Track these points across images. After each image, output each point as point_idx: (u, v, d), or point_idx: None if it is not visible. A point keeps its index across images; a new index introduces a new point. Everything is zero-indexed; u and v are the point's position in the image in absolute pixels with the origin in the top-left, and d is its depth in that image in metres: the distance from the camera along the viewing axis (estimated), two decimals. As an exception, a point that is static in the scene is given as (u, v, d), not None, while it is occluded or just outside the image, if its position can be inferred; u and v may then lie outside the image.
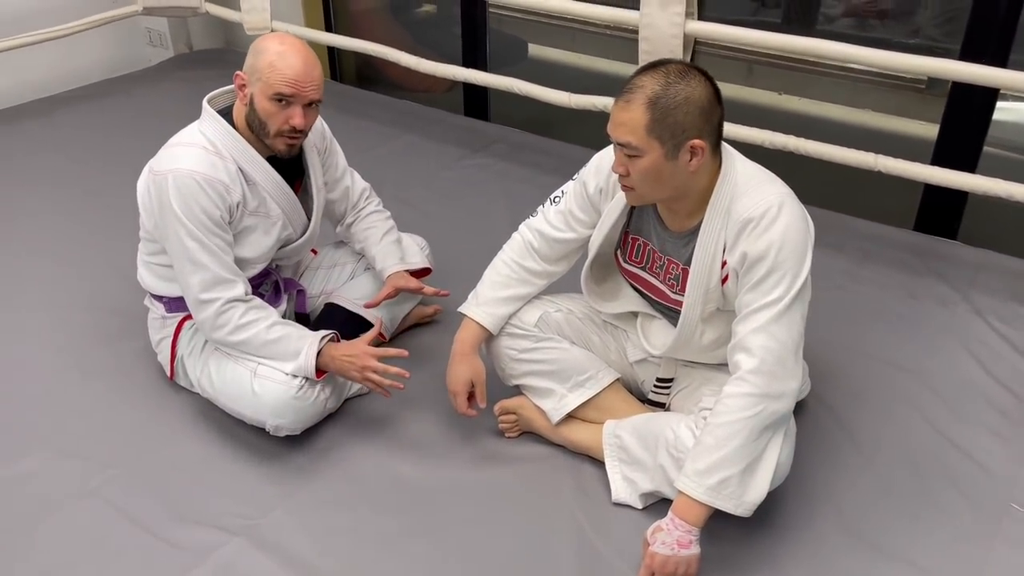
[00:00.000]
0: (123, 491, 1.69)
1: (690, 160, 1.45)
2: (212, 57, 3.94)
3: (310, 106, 1.72)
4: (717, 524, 1.52)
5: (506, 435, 1.83)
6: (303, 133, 1.74)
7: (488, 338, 1.79)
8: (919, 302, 2.26)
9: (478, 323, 1.76)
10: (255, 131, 1.74)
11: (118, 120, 3.35)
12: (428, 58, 3.07)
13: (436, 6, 3.87)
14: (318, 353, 1.72)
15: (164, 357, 1.92)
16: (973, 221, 2.62)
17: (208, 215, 1.69)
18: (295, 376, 1.72)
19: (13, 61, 3.35)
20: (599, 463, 1.72)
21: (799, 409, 1.85)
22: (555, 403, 1.76)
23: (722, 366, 1.65)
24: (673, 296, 1.65)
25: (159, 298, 1.88)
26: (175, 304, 1.85)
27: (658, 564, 1.43)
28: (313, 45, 3.76)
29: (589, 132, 3.21)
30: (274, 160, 1.79)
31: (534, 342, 1.77)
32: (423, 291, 1.98)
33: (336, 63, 3.91)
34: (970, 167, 2.44)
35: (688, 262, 1.57)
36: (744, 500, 1.45)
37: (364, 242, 2.04)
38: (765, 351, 1.45)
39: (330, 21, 3.78)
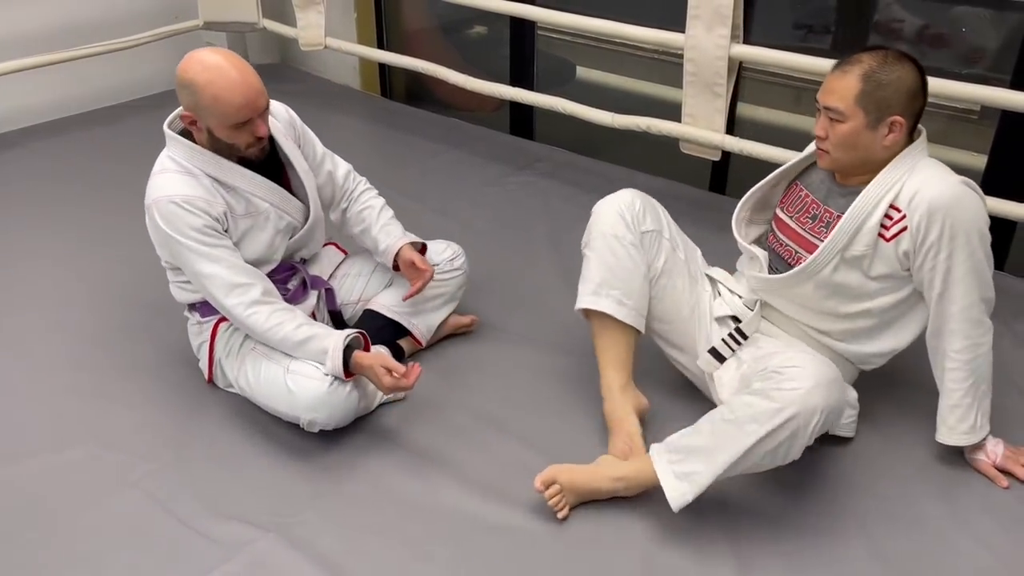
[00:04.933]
0: (162, 484, 1.74)
1: (887, 134, 1.59)
2: (267, 71, 3.98)
3: (265, 109, 1.75)
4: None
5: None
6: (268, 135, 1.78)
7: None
8: (962, 332, 2.21)
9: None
10: (222, 152, 1.78)
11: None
12: (476, 77, 3.12)
13: (487, 27, 3.93)
14: (349, 355, 1.75)
15: (204, 363, 1.98)
16: (1022, 252, 2.56)
17: (198, 229, 1.74)
18: (326, 374, 1.76)
19: (83, 70, 3.51)
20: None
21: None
22: (590, 290, 1.81)
23: (795, 340, 1.77)
24: (811, 240, 1.71)
25: (192, 307, 1.95)
26: (207, 308, 1.91)
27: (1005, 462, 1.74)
28: (365, 62, 3.89)
29: (631, 153, 3.23)
30: (250, 162, 1.82)
31: (635, 238, 1.81)
32: (426, 271, 1.96)
33: (387, 80, 3.99)
34: (1020, 196, 2.39)
35: (844, 210, 1.65)
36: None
37: (363, 223, 2.05)
38: (965, 311, 1.70)
39: (382, 39, 3.87)
